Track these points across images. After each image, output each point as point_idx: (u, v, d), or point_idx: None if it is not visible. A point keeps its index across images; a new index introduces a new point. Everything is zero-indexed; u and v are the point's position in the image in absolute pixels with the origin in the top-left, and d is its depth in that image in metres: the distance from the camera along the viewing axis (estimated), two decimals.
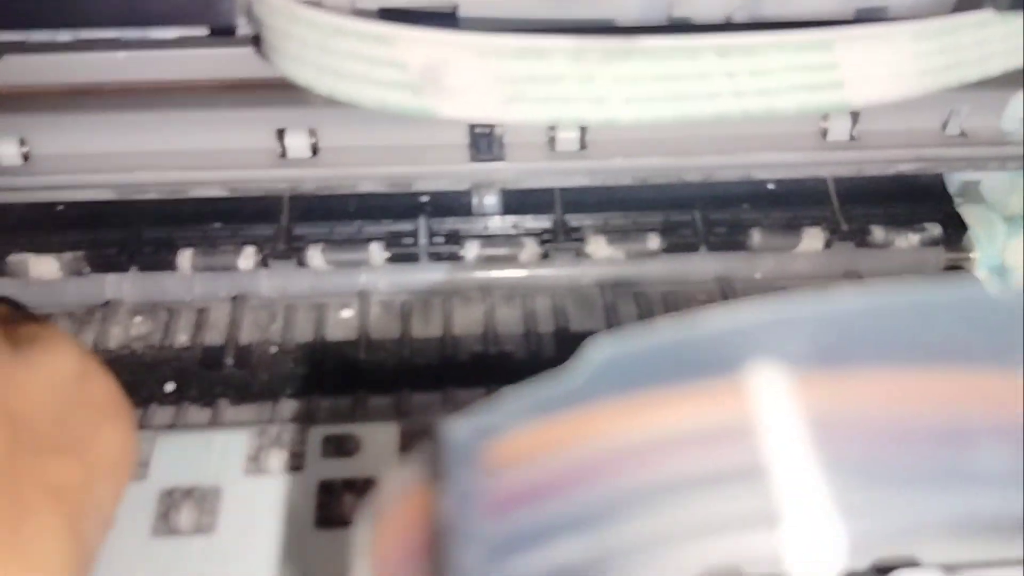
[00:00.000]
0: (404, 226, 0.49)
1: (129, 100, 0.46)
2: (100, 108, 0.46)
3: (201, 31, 0.44)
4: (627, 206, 0.50)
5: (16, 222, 0.48)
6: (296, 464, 0.38)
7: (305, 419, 0.43)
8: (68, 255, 0.47)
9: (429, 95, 0.36)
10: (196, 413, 0.43)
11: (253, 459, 0.39)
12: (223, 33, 0.44)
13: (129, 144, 0.48)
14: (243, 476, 0.38)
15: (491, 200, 0.51)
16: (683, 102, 0.36)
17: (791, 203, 0.50)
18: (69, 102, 0.46)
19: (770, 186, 0.51)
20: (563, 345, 0.46)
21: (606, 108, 0.36)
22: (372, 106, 0.37)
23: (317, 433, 0.39)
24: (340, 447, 0.39)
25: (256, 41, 0.42)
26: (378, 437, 0.40)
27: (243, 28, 0.44)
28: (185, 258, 0.47)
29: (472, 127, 0.49)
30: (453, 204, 0.50)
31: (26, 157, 0.48)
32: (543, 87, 0.36)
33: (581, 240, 0.49)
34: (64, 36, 0.43)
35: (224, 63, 0.45)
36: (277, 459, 0.39)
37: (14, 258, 0.47)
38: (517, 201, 0.50)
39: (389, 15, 0.42)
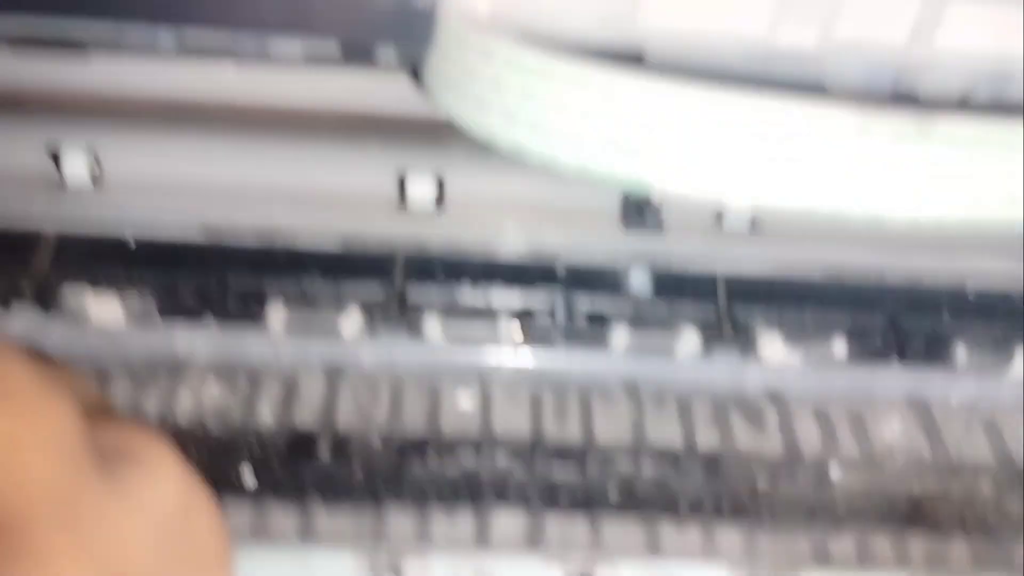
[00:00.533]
0: (539, 300, 0.41)
1: (227, 123, 0.38)
2: (192, 129, 0.38)
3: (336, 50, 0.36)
4: (805, 300, 0.42)
5: (77, 254, 0.39)
6: None
7: (421, 536, 0.34)
8: (135, 299, 0.39)
9: (652, 165, 0.28)
10: (282, 516, 0.35)
11: None
12: (362, 57, 0.36)
13: (221, 175, 0.39)
14: None
15: (640, 278, 0.43)
16: (976, 205, 0.28)
17: (999, 315, 0.42)
18: (155, 118, 0.38)
19: (972, 296, 0.42)
20: (727, 470, 0.38)
21: (875, 203, 0.28)
22: (568, 170, 0.29)
23: (446, 562, 0.31)
24: None
25: (414, 74, 0.33)
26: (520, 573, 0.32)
27: (384, 56, 0.36)
28: (276, 315, 0.39)
29: (626, 195, 0.42)
30: (596, 278, 0.42)
31: (96, 179, 0.39)
32: (802, 167, 0.28)
33: (751, 337, 0.40)
34: (166, 39, 0.35)
35: (349, 93, 0.37)
36: None
37: (71, 296, 0.38)
38: (672, 282, 0.42)
39: None
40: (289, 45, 0.36)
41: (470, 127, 0.30)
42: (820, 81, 0.38)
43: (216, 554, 0.23)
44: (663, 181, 0.28)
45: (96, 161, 0.39)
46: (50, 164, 0.39)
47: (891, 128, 0.27)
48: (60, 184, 0.39)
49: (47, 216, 0.39)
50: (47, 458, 0.18)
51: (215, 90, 0.36)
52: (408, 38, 0.25)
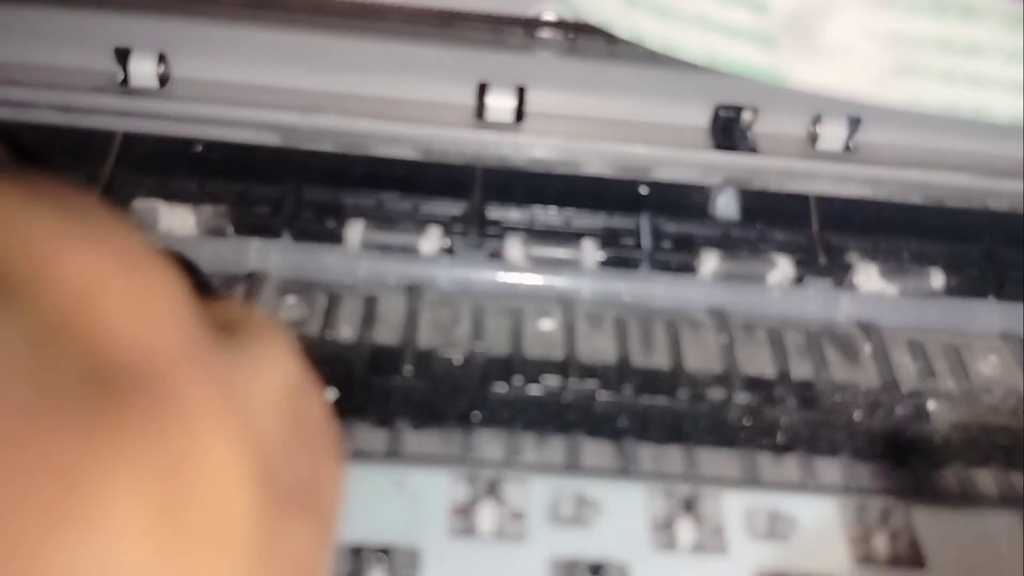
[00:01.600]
0: (623, 222, 0.39)
1: (303, 21, 0.36)
2: (265, 26, 0.36)
3: None
4: (901, 227, 0.40)
5: (147, 160, 0.38)
6: (518, 530, 0.28)
7: (511, 458, 0.33)
8: (207, 209, 0.37)
9: (787, 52, 0.26)
10: (369, 435, 0.33)
11: (461, 513, 0.29)
12: None
13: (299, 78, 0.38)
14: (448, 537, 0.29)
15: (726, 202, 0.41)
16: None
17: None
18: (226, 14, 0.36)
19: None
20: (821, 399, 0.36)
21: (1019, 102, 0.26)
22: (696, 59, 0.27)
23: (544, 485, 0.30)
24: (577, 513, 0.29)
25: None
26: (620, 502, 0.30)
27: None
28: (354, 231, 0.37)
29: (717, 109, 0.40)
30: (681, 201, 0.40)
31: (164, 80, 0.38)
32: (953, 59, 0.26)
33: (845, 267, 0.39)
34: None
35: None
36: (489, 516, 0.29)
37: (141, 204, 0.36)
38: (761, 206, 0.40)
39: None
40: None
41: (583, 13, 0.28)
42: None
43: (328, 436, 0.22)
44: (798, 74, 0.26)
45: (164, 61, 0.37)
46: (116, 64, 0.37)
47: None
48: (127, 84, 0.37)
49: (114, 116, 0.37)
50: (180, 316, 0.17)
51: None
52: None
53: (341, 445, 0.22)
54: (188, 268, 0.30)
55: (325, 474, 0.21)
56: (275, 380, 0.20)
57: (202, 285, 0.21)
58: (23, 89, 0.35)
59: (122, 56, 0.37)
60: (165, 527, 0.14)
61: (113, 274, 0.16)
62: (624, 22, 0.27)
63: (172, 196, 0.37)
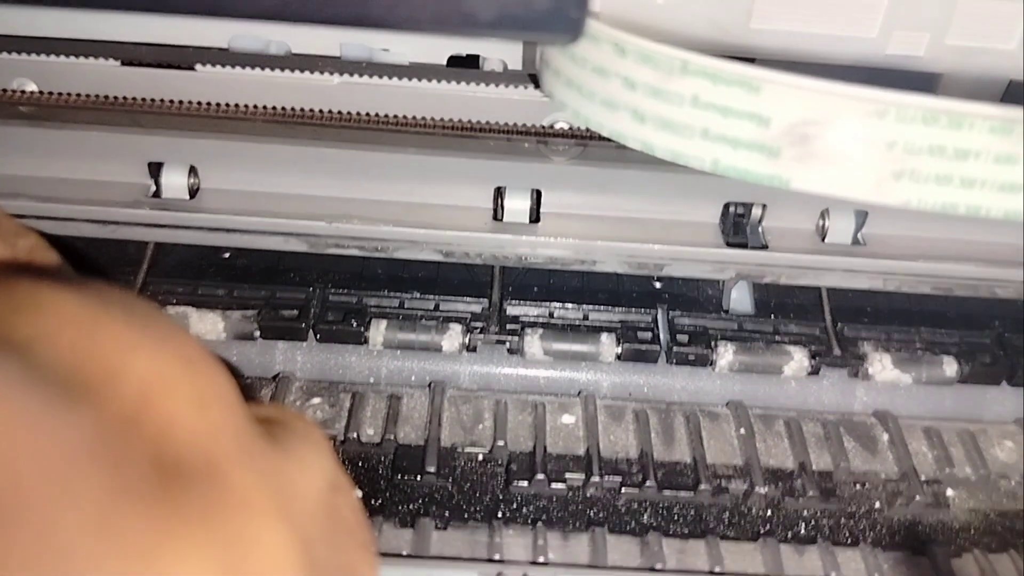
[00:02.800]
0: (640, 317, 0.40)
1: (328, 133, 0.38)
2: (291, 139, 0.38)
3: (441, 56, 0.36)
4: (912, 317, 0.41)
5: (178, 268, 0.39)
6: None
7: (535, 555, 0.33)
8: (236, 314, 0.38)
9: (789, 161, 0.27)
10: (394, 535, 0.34)
11: None
12: (468, 65, 0.36)
13: (323, 187, 0.39)
14: None
15: (739, 295, 0.42)
16: None
17: None
18: (253, 129, 0.38)
19: None
20: (841, 490, 0.36)
21: (1017, 199, 0.27)
22: (703, 166, 0.28)
23: None
24: None
25: (532, 80, 0.33)
26: None
27: (491, 62, 0.36)
28: (378, 331, 0.38)
29: (727, 205, 0.41)
30: (696, 296, 0.41)
31: (194, 191, 0.39)
32: (946, 164, 0.27)
33: (859, 357, 0.39)
34: (275, 47, 0.35)
35: (453, 102, 0.37)
36: None
37: (174, 310, 0.38)
38: (774, 299, 0.41)
39: None
40: (396, 55, 0.36)
41: (595, 127, 0.30)
42: (931, 87, 0.38)
43: (363, 541, 0.23)
44: (801, 180, 0.28)
45: (195, 173, 0.39)
46: (148, 177, 0.39)
47: None
48: (159, 195, 0.39)
49: (147, 227, 0.38)
50: (233, 415, 0.19)
51: (321, 102, 0.36)
52: (552, 31, 0.25)
53: (373, 540, 0.24)
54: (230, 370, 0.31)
55: (361, 564, 0.22)
56: (314, 478, 0.21)
57: (241, 387, 0.23)
58: (65, 205, 0.37)
59: (155, 170, 0.39)
60: None
61: (175, 375, 0.18)
62: (633, 134, 0.29)
63: (202, 302, 0.38)
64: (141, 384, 0.18)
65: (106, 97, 0.36)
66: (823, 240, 0.41)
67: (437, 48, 0.35)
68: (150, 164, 0.39)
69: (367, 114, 0.36)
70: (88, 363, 0.17)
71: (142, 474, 0.15)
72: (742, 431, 0.38)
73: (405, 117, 0.36)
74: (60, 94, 0.36)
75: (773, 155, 0.27)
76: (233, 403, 0.19)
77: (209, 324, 0.38)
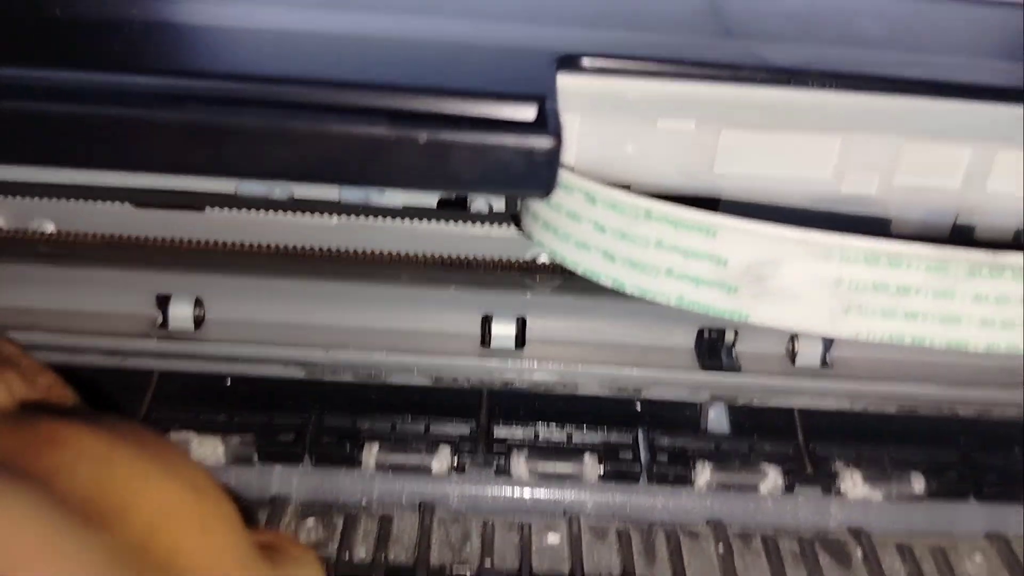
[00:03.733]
0: (621, 438, 0.42)
1: (326, 268, 0.40)
2: (290, 273, 0.41)
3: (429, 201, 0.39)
4: (881, 435, 0.43)
5: (181, 395, 0.41)
6: None
7: None
8: (235, 439, 0.40)
9: (746, 297, 0.30)
10: None
11: None
12: (457, 206, 0.39)
13: (320, 317, 0.42)
14: None
15: (716, 416, 0.44)
16: None
17: None
18: (256, 263, 0.40)
19: None
20: None
21: (958, 330, 0.30)
22: (669, 302, 0.31)
23: None
24: None
25: (514, 220, 0.36)
26: None
27: (477, 203, 0.39)
28: (370, 454, 0.40)
29: (701, 331, 0.43)
30: (674, 417, 0.43)
31: (199, 322, 0.42)
32: (890, 299, 0.29)
33: (831, 475, 0.41)
34: (279, 192, 0.38)
35: (443, 239, 0.40)
36: None
37: (176, 436, 0.40)
38: (750, 420, 0.43)
39: None
40: (390, 198, 0.39)
41: (570, 266, 0.32)
42: (883, 223, 0.40)
43: None
44: (759, 314, 0.30)
45: (200, 304, 0.41)
46: (156, 308, 0.41)
47: (968, 263, 0.29)
48: (166, 326, 0.41)
49: (153, 358, 0.41)
50: (236, 542, 0.21)
51: (318, 240, 0.39)
52: (528, 189, 0.28)
53: None
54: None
55: None
56: None
57: (241, 510, 0.25)
58: (77, 337, 0.40)
59: (162, 302, 0.42)
60: None
61: (181, 504, 0.21)
62: (605, 272, 0.31)
63: (203, 428, 0.40)
64: (151, 513, 0.20)
65: (119, 236, 0.39)
66: (793, 363, 0.43)
67: (428, 192, 0.38)
68: (158, 296, 0.42)
69: (363, 251, 0.39)
70: (102, 495, 0.20)
71: None
72: (721, 549, 0.39)
73: (399, 253, 0.39)
74: (77, 234, 0.39)
75: (732, 292, 0.30)
76: (235, 527, 0.21)
77: (209, 449, 0.40)
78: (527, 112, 0.28)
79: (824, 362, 0.43)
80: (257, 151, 0.26)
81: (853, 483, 0.41)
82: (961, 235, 0.40)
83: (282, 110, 0.26)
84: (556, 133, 0.27)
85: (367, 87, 0.28)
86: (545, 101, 0.28)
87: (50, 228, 0.40)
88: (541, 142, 0.27)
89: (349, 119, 0.26)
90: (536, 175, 0.27)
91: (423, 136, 0.26)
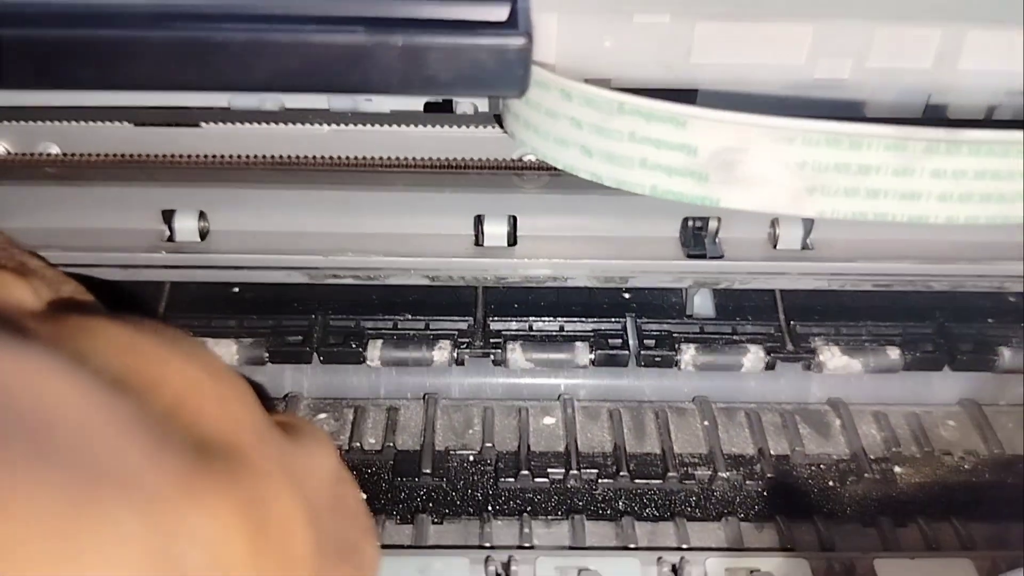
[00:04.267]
0: (610, 326, 0.44)
1: (322, 176, 0.42)
2: (289, 183, 0.42)
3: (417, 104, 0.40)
4: (858, 314, 0.45)
5: (193, 304, 0.44)
6: None
7: (522, 542, 0.37)
8: (247, 342, 0.43)
9: (716, 183, 0.32)
10: (395, 530, 0.38)
11: None
12: (443, 109, 0.40)
13: (320, 224, 0.44)
14: None
15: (701, 300, 0.46)
16: (1004, 203, 0.32)
17: None
18: (255, 176, 0.42)
19: (1012, 299, 0.45)
20: (797, 471, 0.40)
21: (918, 205, 0.32)
22: (644, 191, 0.32)
23: (552, 564, 0.34)
24: None
25: (496, 120, 0.38)
26: (617, 572, 0.35)
27: (463, 106, 0.41)
28: (374, 351, 0.43)
29: (686, 220, 0.45)
30: (661, 304, 0.46)
31: (204, 234, 0.44)
32: (852, 179, 0.31)
33: (811, 351, 0.43)
34: (270, 103, 0.40)
35: (432, 142, 0.41)
36: None
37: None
38: (733, 303, 0.45)
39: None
40: (377, 104, 0.40)
41: (551, 161, 0.34)
42: (857, 105, 0.42)
43: (365, 524, 0.28)
44: (728, 198, 0.32)
45: (204, 217, 0.43)
46: (163, 223, 0.43)
47: (925, 141, 0.30)
48: (173, 239, 0.43)
49: (163, 268, 0.43)
50: (251, 412, 0.23)
51: (314, 149, 0.40)
52: (502, 88, 0.30)
53: (374, 527, 0.28)
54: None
55: (363, 543, 0.27)
56: (320, 467, 0.26)
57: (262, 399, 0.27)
58: (90, 253, 0.42)
59: (168, 216, 0.43)
60: (254, 540, 0.20)
61: (201, 381, 0.23)
62: (583, 167, 0.33)
63: (216, 333, 0.43)
64: (174, 390, 0.22)
65: (122, 155, 0.41)
66: (775, 247, 0.45)
67: (414, 97, 0.40)
68: (163, 211, 0.44)
69: (355, 157, 0.41)
70: (129, 376, 0.22)
71: (179, 447, 0.20)
72: (706, 423, 0.42)
73: (389, 158, 0.41)
74: (81, 155, 0.41)
75: (702, 180, 0.32)
76: (250, 402, 0.24)
77: (223, 352, 0.42)
78: (499, 12, 0.29)
79: (805, 245, 0.45)
80: (243, 64, 0.27)
81: (832, 358, 0.43)
82: (935, 114, 0.41)
83: (264, 23, 0.27)
84: (527, 32, 0.28)
85: None
86: (516, 1, 0.29)
87: (55, 150, 0.41)
88: (512, 41, 0.28)
89: (328, 28, 0.27)
90: (510, 74, 0.29)
91: (399, 40, 0.27)
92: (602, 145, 0.32)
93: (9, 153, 0.41)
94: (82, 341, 0.23)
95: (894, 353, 0.43)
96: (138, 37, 0.27)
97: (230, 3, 0.28)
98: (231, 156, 0.41)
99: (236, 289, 0.45)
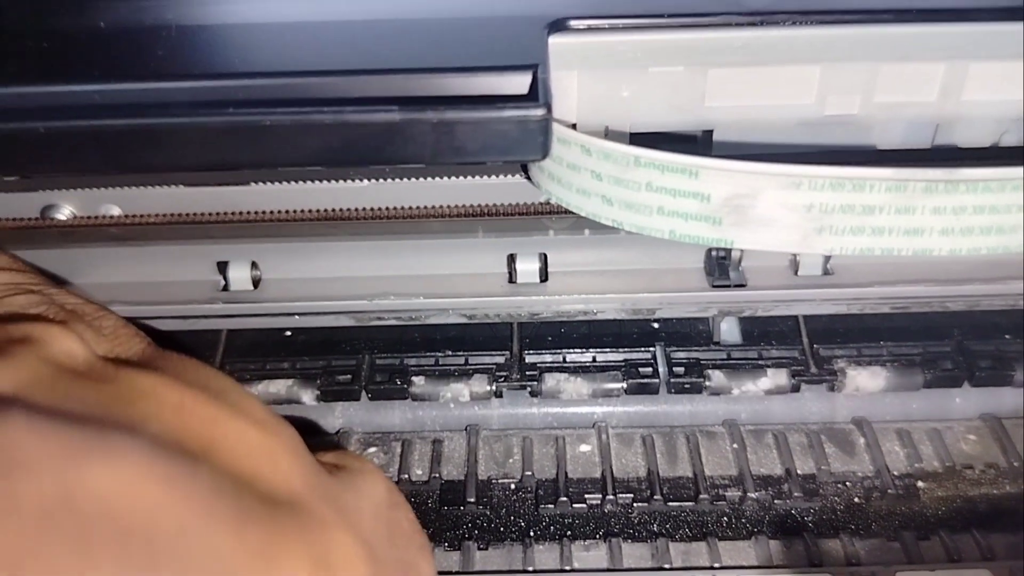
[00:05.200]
0: (640, 355, 0.47)
1: (363, 226, 0.45)
2: (334, 232, 0.45)
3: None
4: (879, 335, 0.47)
5: (249, 349, 0.47)
6: None
7: (563, 568, 0.39)
8: (300, 382, 0.46)
9: (730, 226, 0.34)
10: (443, 557, 0.40)
11: None
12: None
13: (363, 269, 0.46)
14: None
15: (728, 327, 0.48)
16: (1004, 235, 0.33)
17: None
18: (303, 227, 0.45)
19: None
20: (823, 489, 0.42)
21: (922, 240, 0.34)
22: (663, 235, 0.35)
23: None
24: None
25: (524, 171, 0.40)
26: None
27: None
28: (418, 387, 0.45)
29: (709, 250, 0.47)
30: (689, 332, 0.48)
31: (257, 282, 0.47)
32: (857, 218, 0.33)
33: (834, 373, 0.45)
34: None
35: (461, 192, 0.44)
36: None
37: (248, 386, 0.45)
38: (758, 328, 0.48)
39: (641, 140, 0.40)
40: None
41: (575, 209, 0.36)
42: (867, 137, 0.44)
43: (420, 543, 0.30)
44: (742, 240, 0.34)
45: (256, 267, 0.46)
46: (218, 274, 0.46)
47: (924, 182, 0.32)
48: (228, 289, 0.46)
49: (220, 317, 0.46)
50: (299, 462, 0.26)
51: (353, 201, 0.43)
52: (526, 154, 0.32)
53: (428, 544, 0.31)
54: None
55: (419, 560, 0.30)
56: (371, 499, 0.29)
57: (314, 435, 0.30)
58: (152, 306, 0.45)
59: (222, 268, 0.47)
60: None
61: (252, 438, 0.25)
62: (605, 214, 0.36)
63: (270, 375, 0.46)
64: (228, 450, 0.25)
65: (178, 214, 0.44)
66: (796, 273, 0.47)
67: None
68: (218, 263, 0.47)
69: (393, 207, 0.43)
70: (186, 440, 0.24)
71: (253, 516, 0.23)
72: (735, 445, 0.44)
73: (425, 207, 0.43)
74: (141, 215, 0.44)
75: (716, 223, 0.34)
76: (298, 450, 0.26)
77: (277, 389, 0.45)
78: (521, 83, 0.32)
79: (826, 270, 0.47)
80: (290, 144, 0.30)
81: (855, 379, 0.45)
82: (944, 141, 0.43)
83: (309, 106, 0.30)
84: (547, 103, 0.31)
85: (378, 73, 0.32)
86: (537, 72, 0.32)
87: (116, 211, 0.45)
88: (534, 113, 0.31)
89: (367, 109, 0.30)
90: (532, 141, 0.31)
91: (431, 117, 0.30)
92: (621, 195, 0.35)
93: (75, 216, 0.44)
94: (137, 405, 0.25)
95: (915, 372, 0.45)
96: (196, 124, 0.30)
97: (276, 87, 0.31)
98: (278, 210, 0.44)
99: (288, 333, 0.48)
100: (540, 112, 0.31)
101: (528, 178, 0.40)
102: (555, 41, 0.36)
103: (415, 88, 0.31)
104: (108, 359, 0.28)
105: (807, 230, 0.34)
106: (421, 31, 0.36)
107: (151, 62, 0.34)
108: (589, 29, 0.36)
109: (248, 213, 0.44)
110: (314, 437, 0.45)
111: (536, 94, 0.31)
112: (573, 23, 0.36)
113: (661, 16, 0.37)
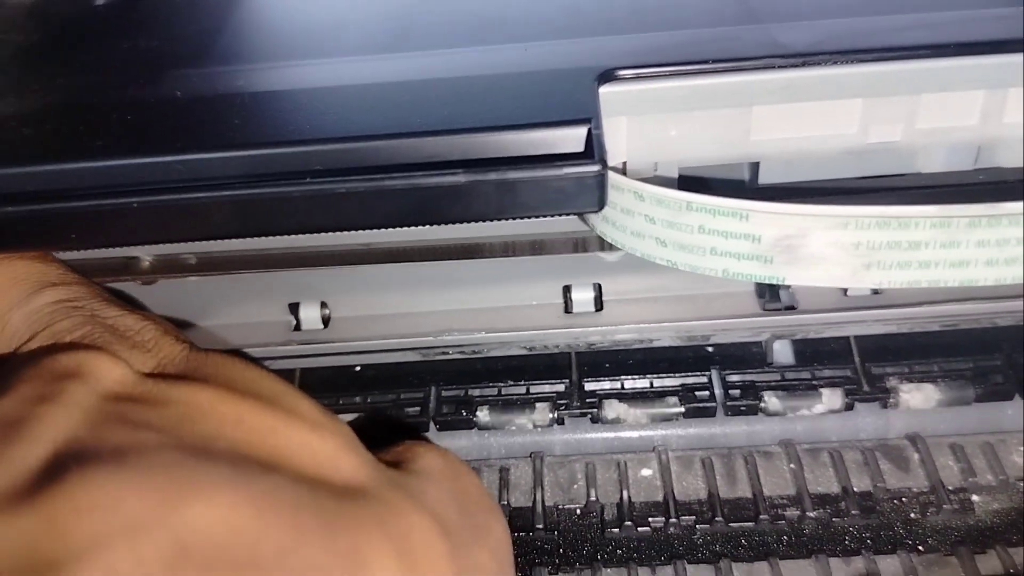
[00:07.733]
0: (696, 379, 0.48)
1: (428, 263, 0.47)
2: (399, 270, 0.48)
3: None
4: (929, 352, 0.48)
5: (321, 385, 0.49)
6: None
7: None
8: (371, 418, 0.48)
9: (780, 264, 0.36)
10: None
11: None
12: None
13: (427, 304, 0.49)
14: None
15: (781, 348, 0.50)
16: None
17: None
18: (367, 259, 0.47)
19: None
20: (880, 506, 0.44)
21: (967, 271, 0.35)
22: (716, 275, 0.37)
23: None
24: None
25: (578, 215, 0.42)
26: None
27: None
28: (483, 417, 0.48)
29: None
30: (743, 354, 0.49)
31: (327, 321, 0.49)
32: (903, 254, 0.35)
33: (887, 391, 0.47)
34: None
35: (519, 226, 0.46)
36: None
37: None
38: (810, 349, 0.49)
39: (688, 183, 0.42)
40: None
41: (629, 250, 0.38)
42: (911, 166, 0.45)
43: (489, 505, 0.32)
44: (793, 277, 0.36)
45: (326, 306, 0.49)
46: (290, 315, 0.49)
47: (967, 218, 0.34)
48: (299, 329, 0.49)
49: (295, 357, 0.49)
50: (358, 457, 0.28)
51: (416, 234, 0.45)
52: (583, 207, 0.34)
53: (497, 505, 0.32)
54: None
55: (490, 521, 0.31)
56: (432, 475, 0.30)
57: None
58: (228, 347, 0.48)
59: (294, 308, 0.49)
60: (412, 571, 0.24)
61: (310, 446, 0.27)
62: (659, 255, 0.37)
63: (343, 409, 0.48)
64: (292, 458, 0.26)
65: (251, 257, 0.46)
66: (846, 294, 0.48)
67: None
68: (289, 304, 0.49)
69: (455, 243, 0.46)
70: (251, 452, 0.26)
71: (326, 512, 0.24)
72: (792, 465, 0.45)
73: (485, 243, 0.46)
74: (216, 258, 0.47)
75: (768, 262, 0.36)
76: (354, 445, 0.28)
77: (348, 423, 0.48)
78: (577, 137, 0.34)
79: (874, 291, 0.48)
80: (364, 208, 0.33)
81: (907, 396, 0.46)
82: (987, 163, 0.44)
83: (379, 172, 0.32)
84: (602, 159, 0.33)
85: (442, 134, 0.34)
86: (591, 128, 0.34)
87: (191, 261, 0.47)
88: (589, 169, 0.33)
89: (434, 172, 0.32)
90: (589, 196, 0.33)
91: (493, 178, 0.32)
92: (674, 237, 0.37)
93: (152, 264, 0.47)
94: (199, 425, 0.26)
95: (966, 387, 0.46)
96: (279, 194, 0.33)
97: (348, 153, 0.34)
98: (345, 250, 0.46)
99: (358, 368, 0.50)
100: (596, 168, 0.33)
101: (582, 219, 0.42)
102: (606, 91, 0.38)
103: (477, 147, 0.33)
104: (156, 375, 0.29)
105: (856, 266, 0.35)
106: (478, 87, 0.38)
107: (228, 131, 0.37)
108: (637, 77, 0.38)
109: (317, 254, 0.46)
110: None
111: (591, 151, 0.33)
112: (621, 72, 0.38)
113: (705, 62, 0.38)
